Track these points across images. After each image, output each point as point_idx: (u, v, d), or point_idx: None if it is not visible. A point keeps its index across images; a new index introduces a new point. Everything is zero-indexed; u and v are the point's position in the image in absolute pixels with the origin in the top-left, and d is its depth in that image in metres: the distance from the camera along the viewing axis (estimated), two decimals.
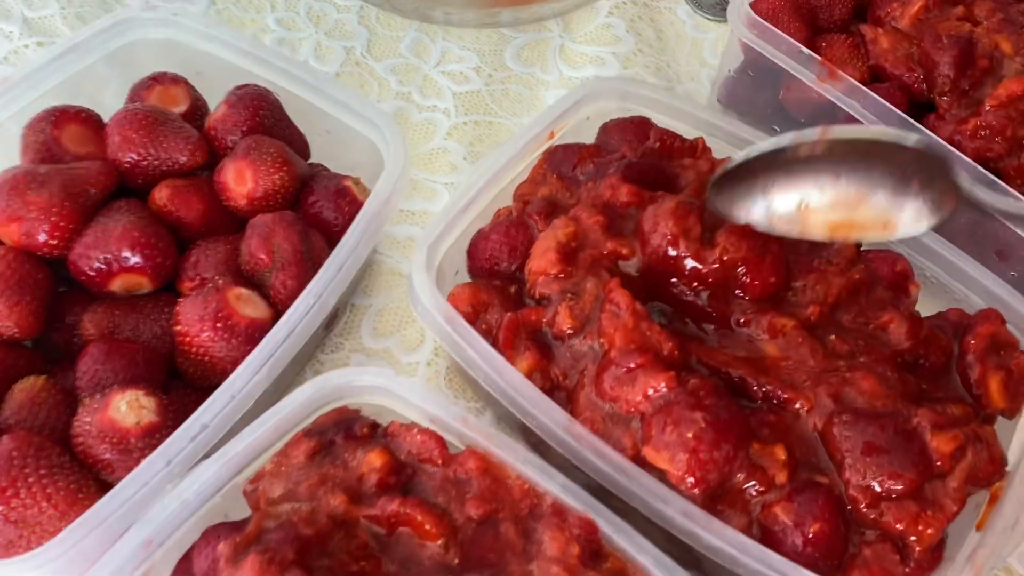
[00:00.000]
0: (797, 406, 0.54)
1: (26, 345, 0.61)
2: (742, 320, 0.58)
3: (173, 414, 0.55)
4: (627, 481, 0.52)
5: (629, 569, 0.50)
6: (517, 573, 0.50)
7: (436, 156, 0.82)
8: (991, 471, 0.54)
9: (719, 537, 0.50)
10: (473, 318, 0.59)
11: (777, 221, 0.58)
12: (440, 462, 0.54)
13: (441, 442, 0.54)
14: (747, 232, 0.59)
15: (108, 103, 0.70)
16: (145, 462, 0.51)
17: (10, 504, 0.49)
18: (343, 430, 0.54)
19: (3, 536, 0.49)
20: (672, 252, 0.59)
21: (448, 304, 0.58)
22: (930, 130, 0.72)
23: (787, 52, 0.73)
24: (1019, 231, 0.65)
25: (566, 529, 0.51)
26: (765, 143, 0.56)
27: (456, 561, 0.50)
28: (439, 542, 0.50)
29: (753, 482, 0.52)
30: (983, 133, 0.69)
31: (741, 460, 0.51)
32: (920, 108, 0.74)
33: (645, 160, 0.65)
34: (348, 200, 0.65)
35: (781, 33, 0.73)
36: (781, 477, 0.51)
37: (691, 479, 0.51)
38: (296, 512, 0.50)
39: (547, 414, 0.54)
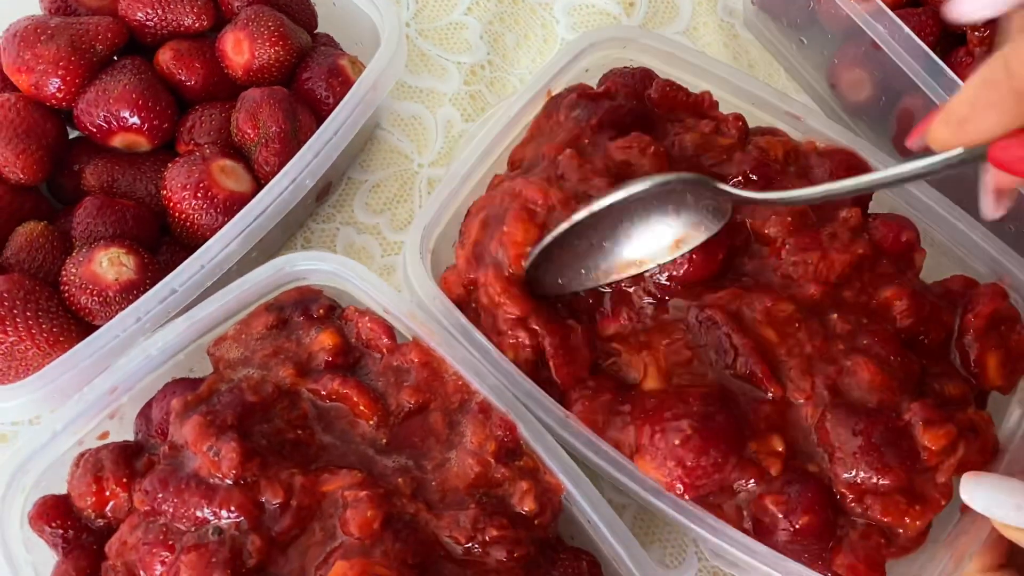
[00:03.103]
0: (794, 397, 0.54)
1: (38, 188, 0.66)
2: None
3: (153, 272, 0.60)
4: (618, 472, 0.54)
5: (540, 469, 0.54)
6: (437, 458, 0.55)
7: (453, 31, 0.81)
8: (982, 460, 0.53)
9: (709, 530, 0.52)
10: (466, 298, 0.60)
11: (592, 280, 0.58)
12: (385, 350, 0.58)
13: (389, 331, 0.58)
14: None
15: None
16: (118, 317, 0.56)
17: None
18: (302, 308, 0.59)
19: None
20: None
21: (441, 293, 0.58)
22: (956, 65, 0.68)
23: None
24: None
25: (488, 426, 0.55)
26: (559, 229, 0.55)
27: (384, 440, 0.55)
28: (371, 422, 0.55)
29: (748, 477, 0.52)
30: None
31: (734, 463, 0.52)
32: (954, 39, 0.70)
33: (632, 107, 0.63)
34: (341, 80, 0.67)
35: None
36: (774, 469, 0.52)
37: (680, 486, 0.51)
38: (247, 379, 0.55)
39: (544, 408, 0.55)
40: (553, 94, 0.67)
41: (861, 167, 0.64)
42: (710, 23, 0.83)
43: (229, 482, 0.50)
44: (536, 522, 0.53)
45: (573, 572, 0.53)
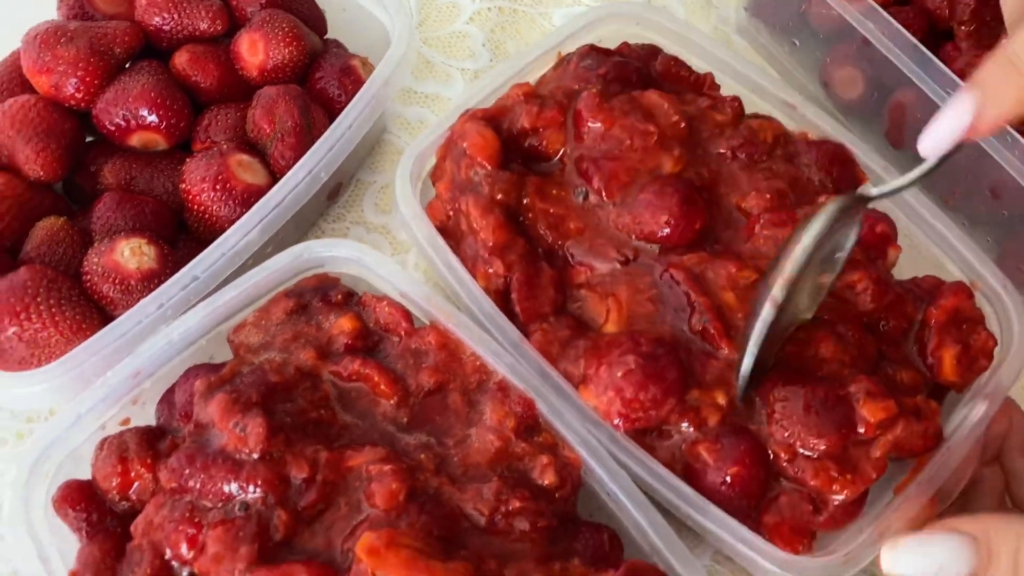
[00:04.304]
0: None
1: (53, 187, 0.67)
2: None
3: (173, 263, 0.61)
4: (561, 400, 0.55)
5: (559, 445, 0.55)
6: (458, 435, 0.55)
7: (455, 40, 0.84)
8: (922, 445, 0.54)
9: (640, 466, 0.54)
10: (449, 226, 0.62)
11: None
12: (403, 333, 0.59)
13: (407, 315, 0.59)
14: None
15: None
16: (140, 303, 0.57)
17: (23, 326, 0.56)
18: (320, 294, 0.60)
19: (17, 353, 0.57)
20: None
21: (424, 214, 0.61)
22: (945, 60, 0.71)
23: None
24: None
25: (507, 403, 0.56)
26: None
27: (405, 420, 0.56)
28: (392, 401, 0.56)
29: (685, 422, 0.54)
30: None
31: (673, 405, 0.53)
32: (941, 36, 0.73)
33: (640, 68, 0.66)
34: (352, 79, 0.69)
35: None
36: (713, 419, 0.53)
37: (617, 417, 0.53)
38: (269, 361, 0.56)
39: (500, 330, 0.58)
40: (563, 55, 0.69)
41: (848, 159, 0.66)
42: (704, 30, 0.86)
43: (255, 457, 0.51)
44: (557, 495, 0.53)
45: (594, 545, 0.53)
